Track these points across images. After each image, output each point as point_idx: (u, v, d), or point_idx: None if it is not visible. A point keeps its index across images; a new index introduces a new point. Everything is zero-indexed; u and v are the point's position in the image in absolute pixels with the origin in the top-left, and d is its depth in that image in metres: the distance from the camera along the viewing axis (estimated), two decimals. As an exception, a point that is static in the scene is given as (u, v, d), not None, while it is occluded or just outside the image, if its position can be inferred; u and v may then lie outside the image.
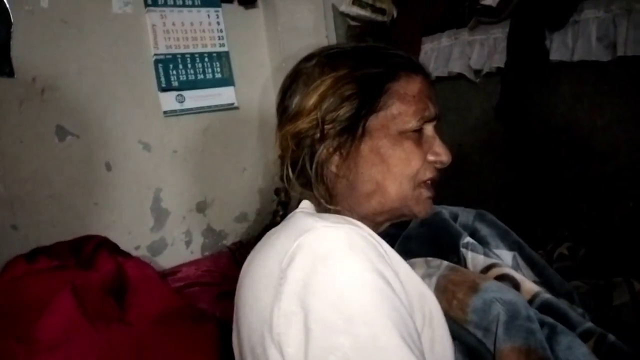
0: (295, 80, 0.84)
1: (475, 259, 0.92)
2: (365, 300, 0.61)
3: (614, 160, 1.51)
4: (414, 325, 0.64)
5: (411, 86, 0.80)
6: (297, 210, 0.81)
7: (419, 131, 0.81)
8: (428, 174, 0.82)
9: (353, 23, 2.19)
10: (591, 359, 0.73)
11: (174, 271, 1.77)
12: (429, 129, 0.83)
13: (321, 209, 0.82)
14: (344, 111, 0.78)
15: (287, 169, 0.83)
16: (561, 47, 1.54)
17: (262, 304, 0.66)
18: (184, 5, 1.95)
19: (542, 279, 0.96)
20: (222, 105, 2.04)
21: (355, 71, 0.79)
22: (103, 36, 1.80)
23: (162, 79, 1.91)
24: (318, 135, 0.79)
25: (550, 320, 0.77)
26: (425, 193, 0.83)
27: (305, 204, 0.82)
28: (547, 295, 0.83)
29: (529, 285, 0.85)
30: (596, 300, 1.08)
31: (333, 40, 2.19)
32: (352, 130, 0.78)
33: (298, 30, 2.10)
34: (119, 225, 1.84)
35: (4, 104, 1.63)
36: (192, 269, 1.78)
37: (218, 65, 2.03)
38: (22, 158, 1.65)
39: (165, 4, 1.91)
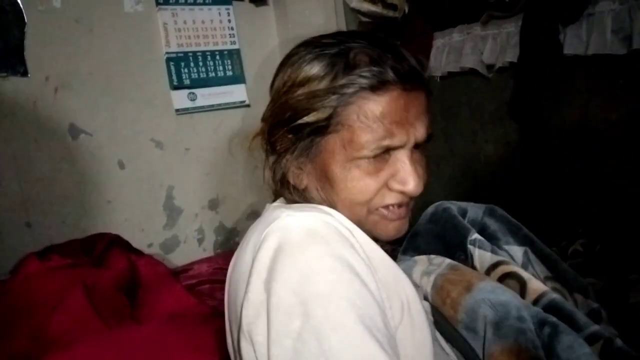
0: (279, 67, 0.79)
1: (482, 256, 0.91)
2: (321, 283, 0.61)
3: (630, 155, 1.48)
4: (380, 311, 0.63)
5: (370, 110, 0.69)
6: (272, 204, 0.81)
7: (381, 154, 0.72)
8: (388, 200, 0.74)
9: (364, 19, 2.18)
10: (592, 359, 0.71)
11: (186, 269, 1.78)
12: (400, 153, 0.72)
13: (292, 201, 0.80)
14: (293, 129, 0.73)
15: (265, 167, 0.82)
16: (575, 41, 1.52)
17: (239, 299, 0.67)
18: (195, 3, 1.96)
19: (554, 273, 0.94)
20: (233, 102, 2.05)
21: (311, 87, 0.71)
22: (115, 35, 1.81)
23: (174, 77, 1.92)
24: (269, 147, 0.77)
25: (553, 319, 0.75)
26: (387, 217, 0.75)
27: (279, 199, 0.82)
28: (554, 296, 0.81)
29: (536, 285, 0.83)
30: (612, 298, 1.06)
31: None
32: (304, 150, 0.74)
33: (309, 27, 2.10)
34: (132, 223, 1.85)
35: (18, 103, 1.65)
36: (205, 266, 1.78)
37: (229, 62, 2.03)
38: (36, 156, 1.67)
39: (176, 3, 1.92)
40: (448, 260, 0.83)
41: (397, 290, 0.69)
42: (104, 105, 1.79)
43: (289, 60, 0.76)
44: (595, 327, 0.77)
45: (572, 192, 1.66)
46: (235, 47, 2.05)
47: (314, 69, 0.72)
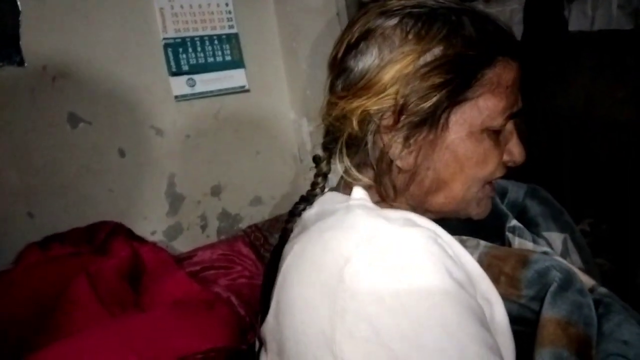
0: (365, 39, 0.69)
1: (522, 246, 0.83)
2: (447, 312, 0.55)
3: (637, 133, 1.46)
4: (488, 325, 0.59)
5: (506, 75, 0.67)
6: (351, 202, 0.69)
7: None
8: (497, 174, 0.72)
9: (364, 0, 2.14)
10: (638, 339, 0.65)
11: (189, 255, 1.77)
12: (509, 123, 0.71)
13: (376, 199, 0.71)
14: (427, 102, 0.65)
15: (342, 148, 0.72)
16: (580, 17, 1.49)
17: (318, 312, 0.59)
18: (191, -13, 1.92)
19: (586, 266, 0.90)
20: (233, 88, 2.02)
21: (448, 50, 0.65)
22: (112, 22, 1.79)
23: (172, 63, 1.89)
24: (390, 122, 0.67)
25: (608, 300, 0.70)
26: (488, 194, 0.74)
27: (359, 194, 0.71)
28: (604, 290, 0.74)
29: (584, 279, 0.75)
30: (619, 278, 1.05)
31: (344, 20, 2.14)
32: (432, 124, 0.66)
33: (308, 9, 2.06)
34: (134, 211, 1.84)
35: (15, 93, 1.63)
36: (208, 252, 1.77)
37: (228, 47, 2.00)
38: (36, 146, 1.66)
39: (172, -13, 1.88)
40: (483, 242, 0.76)
41: (484, 298, 0.64)
42: (103, 93, 1.77)
43: (383, 30, 0.68)
44: None
45: (578, 171, 1.64)
46: (234, 31, 2.02)
47: (440, 33, 0.66)
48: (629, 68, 1.45)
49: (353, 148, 0.72)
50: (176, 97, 1.91)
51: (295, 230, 0.76)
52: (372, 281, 0.56)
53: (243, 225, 2.06)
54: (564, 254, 0.87)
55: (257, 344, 0.79)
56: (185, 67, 1.92)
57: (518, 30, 1.63)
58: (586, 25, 1.46)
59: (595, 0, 1.44)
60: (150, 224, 1.88)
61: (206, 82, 1.96)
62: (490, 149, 0.69)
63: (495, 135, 0.69)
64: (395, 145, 0.68)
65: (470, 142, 0.68)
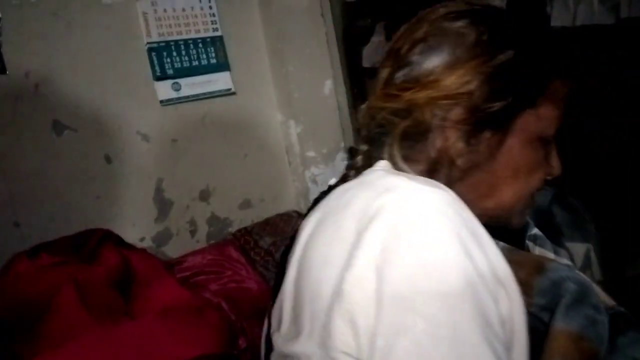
0: (435, 36, 0.70)
1: (543, 255, 0.82)
2: (449, 280, 0.53)
3: (626, 127, 1.47)
4: (496, 312, 0.56)
5: (562, 88, 0.70)
6: (375, 168, 0.70)
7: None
8: (540, 185, 0.74)
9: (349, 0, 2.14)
10: None
11: (179, 261, 1.76)
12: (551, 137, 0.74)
13: (398, 169, 0.71)
14: (498, 103, 0.66)
15: (395, 138, 0.70)
16: (563, 12, 1.49)
17: (333, 268, 0.58)
18: (174, -10, 1.91)
19: (606, 278, 0.89)
20: (218, 91, 2.01)
21: (520, 54, 0.67)
22: (94, 27, 1.77)
23: (157, 67, 1.88)
24: (457, 118, 0.67)
25: (630, 316, 0.69)
26: (529, 205, 0.75)
27: (383, 164, 0.71)
28: (623, 310, 0.73)
29: (604, 297, 0.74)
30: (609, 271, 1.05)
31: (329, 21, 2.14)
32: (498, 126, 0.68)
33: (292, 11, 2.06)
34: (123, 217, 1.83)
35: (-2, 101, 1.61)
36: (198, 258, 1.76)
37: (212, 50, 1.99)
38: (21, 155, 1.64)
39: (155, -9, 1.87)
40: (502, 243, 0.73)
41: (500, 282, 0.61)
42: (87, 99, 1.76)
43: (456, 29, 0.69)
44: None
45: (569, 167, 1.65)
46: (218, 33, 2.01)
47: (512, 37, 0.68)
48: (617, 62, 1.46)
49: (406, 141, 0.71)
50: (162, 101, 1.90)
51: None
52: (381, 234, 0.55)
53: (233, 229, 2.06)
54: (585, 265, 0.87)
55: (266, 325, 0.78)
56: (170, 71, 1.90)
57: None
58: (568, 21, 1.47)
59: (577, -4, 1.45)
60: (139, 230, 1.87)
61: (192, 85, 1.95)
62: (541, 159, 0.72)
63: (545, 145, 0.71)
64: (458, 142, 0.68)
65: (528, 149, 0.70)
